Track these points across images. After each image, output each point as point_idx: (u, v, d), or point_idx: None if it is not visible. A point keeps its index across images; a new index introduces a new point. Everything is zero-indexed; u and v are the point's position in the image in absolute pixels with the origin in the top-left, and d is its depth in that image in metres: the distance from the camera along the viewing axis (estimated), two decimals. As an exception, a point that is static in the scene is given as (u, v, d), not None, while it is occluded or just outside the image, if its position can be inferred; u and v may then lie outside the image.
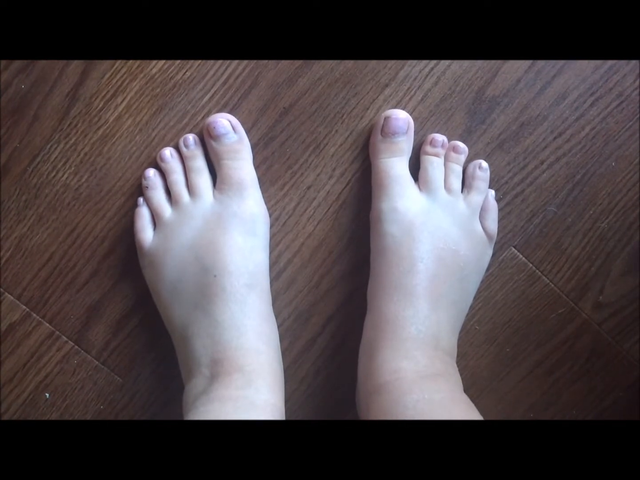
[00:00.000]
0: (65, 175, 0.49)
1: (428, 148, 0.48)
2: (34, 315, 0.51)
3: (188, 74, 0.47)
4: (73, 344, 0.51)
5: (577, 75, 0.49)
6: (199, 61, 0.47)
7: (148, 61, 0.47)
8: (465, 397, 0.43)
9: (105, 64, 0.47)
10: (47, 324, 0.51)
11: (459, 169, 0.48)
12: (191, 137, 0.48)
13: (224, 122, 0.47)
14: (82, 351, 0.52)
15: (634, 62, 0.49)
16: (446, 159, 0.48)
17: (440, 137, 0.48)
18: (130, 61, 0.47)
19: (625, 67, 0.49)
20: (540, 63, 0.48)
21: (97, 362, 0.52)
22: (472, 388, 0.54)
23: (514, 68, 0.48)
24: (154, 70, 0.47)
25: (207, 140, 0.47)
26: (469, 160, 0.49)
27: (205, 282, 0.46)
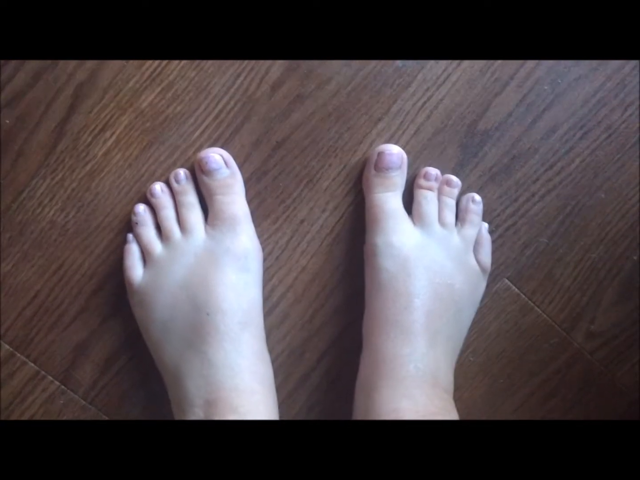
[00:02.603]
0: (52, 212, 0.47)
1: (422, 182, 0.48)
2: (18, 355, 0.49)
3: (179, 108, 0.47)
4: (59, 383, 0.50)
5: (566, 109, 0.49)
6: (190, 95, 0.46)
7: (137, 95, 0.46)
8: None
9: (94, 97, 0.46)
10: (32, 364, 0.49)
11: (452, 202, 0.48)
12: (182, 172, 0.47)
13: (216, 157, 0.46)
14: (69, 391, 0.50)
15: (621, 95, 0.49)
16: (440, 193, 0.48)
17: (433, 171, 0.48)
18: (120, 95, 0.46)
19: (613, 101, 0.49)
20: (531, 97, 0.49)
21: (84, 402, 0.50)
22: (467, 420, 0.54)
23: (505, 102, 0.48)
24: (144, 105, 0.46)
25: (199, 175, 0.46)
26: (461, 193, 0.49)
27: (198, 321, 0.45)
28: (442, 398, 0.45)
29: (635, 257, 0.52)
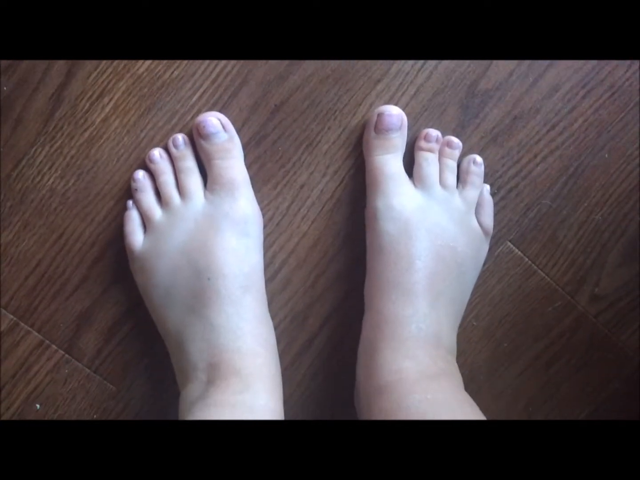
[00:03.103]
0: (51, 180, 0.47)
1: (422, 143, 0.47)
2: (22, 324, 0.49)
3: (176, 72, 0.46)
4: (63, 352, 0.50)
5: (568, 68, 0.48)
6: (188, 59, 0.46)
7: (134, 60, 0.46)
8: (467, 396, 0.43)
9: (90, 63, 0.46)
10: (36, 333, 0.49)
11: (453, 164, 0.48)
12: (180, 137, 0.46)
13: (214, 120, 0.46)
14: (73, 360, 0.50)
15: (624, 53, 0.48)
16: (441, 155, 0.48)
17: (434, 132, 0.47)
18: (116, 61, 0.46)
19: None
20: (532, 56, 0.48)
21: (88, 371, 0.51)
22: (470, 384, 0.54)
23: (506, 61, 0.48)
24: (141, 70, 0.46)
25: (197, 139, 0.46)
26: (462, 154, 0.49)
27: (199, 286, 0.45)
28: (445, 359, 0.45)
29: (639, 218, 0.52)
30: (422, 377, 0.42)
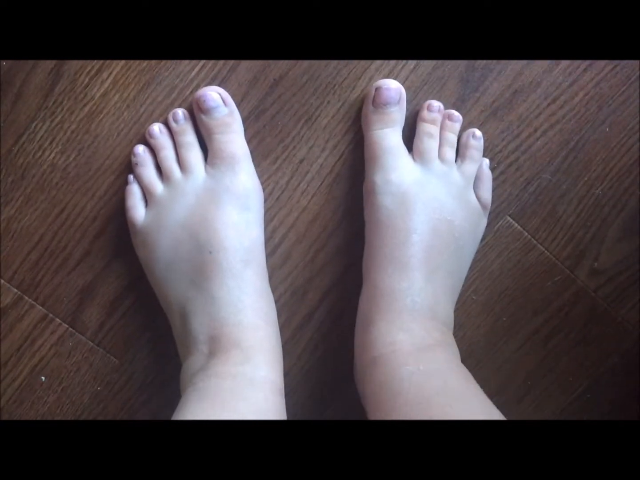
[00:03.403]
0: (52, 155, 0.47)
1: (425, 114, 0.47)
2: (26, 298, 0.50)
3: (175, 46, 0.46)
4: (67, 326, 0.51)
5: (570, 40, 0.48)
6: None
7: (133, 34, 0.46)
8: (462, 367, 0.43)
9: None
10: (40, 307, 0.50)
11: (453, 138, 0.48)
12: (180, 112, 0.47)
13: (214, 95, 0.46)
14: (77, 333, 0.51)
15: (626, 25, 0.48)
16: (441, 128, 0.48)
17: (436, 103, 0.47)
18: (115, 35, 0.46)
19: (618, 31, 0.48)
20: (533, 28, 0.47)
21: (92, 344, 0.51)
22: (469, 358, 0.54)
23: (507, 34, 0.47)
24: (140, 44, 0.46)
25: (197, 114, 0.46)
26: (462, 129, 0.49)
27: (201, 259, 0.45)
28: (440, 331, 0.45)
29: (639, 193, 0.52)
30: (415, 349, 0.43)
